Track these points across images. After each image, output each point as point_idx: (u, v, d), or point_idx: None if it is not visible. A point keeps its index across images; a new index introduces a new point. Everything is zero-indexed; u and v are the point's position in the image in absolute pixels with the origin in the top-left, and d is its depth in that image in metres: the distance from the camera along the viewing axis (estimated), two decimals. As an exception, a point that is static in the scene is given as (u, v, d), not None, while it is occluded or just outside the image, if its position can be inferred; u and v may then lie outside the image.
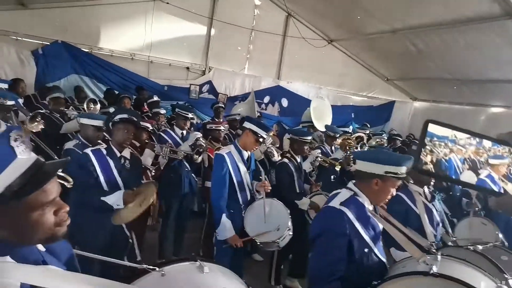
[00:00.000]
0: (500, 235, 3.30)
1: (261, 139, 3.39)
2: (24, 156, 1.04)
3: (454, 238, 3.04)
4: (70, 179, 1.51)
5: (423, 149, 0.57)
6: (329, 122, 8.17)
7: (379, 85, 11.14)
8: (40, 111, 4.52)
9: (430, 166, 0.59)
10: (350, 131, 6.52)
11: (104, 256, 2.89)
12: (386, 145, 6.46)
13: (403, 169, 1.96)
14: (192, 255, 1.47)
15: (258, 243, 3.28)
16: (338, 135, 5.39)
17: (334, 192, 2.12)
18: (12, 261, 1.04)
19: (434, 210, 2.91)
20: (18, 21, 7.12)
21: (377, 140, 6.00)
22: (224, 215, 3.21)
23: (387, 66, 10.48)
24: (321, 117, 8.50)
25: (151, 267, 1.39)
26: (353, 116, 10.24)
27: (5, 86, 4.69)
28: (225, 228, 3.21)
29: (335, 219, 1.94)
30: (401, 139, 8.23)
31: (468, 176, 0.60)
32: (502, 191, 0.55)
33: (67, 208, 1.14)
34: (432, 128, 0.57)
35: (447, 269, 1.71)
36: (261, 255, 4.68)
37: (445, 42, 7.50)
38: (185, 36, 8.96)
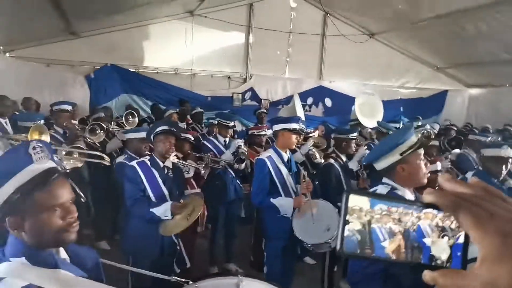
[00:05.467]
0: None
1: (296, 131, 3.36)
2: (40, 163, 1.15)
3: None
4: (82, 195, 1.62)
5: (346, 226, 0.46)
6: (380, 118, 7.85)
7: (428, 75, 10.55)
8: (97, 122, 4.74)
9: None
10: (399, 126, 6.21)
11: (154, 263, 3.02)
12: (433, 136, 6.10)
13: (413, 139, 1.89)
14: (235, 271, 1.46)
15: (309, 246, 3.20)
16: (391, 131, 5.15)
17: (373, 188, 2.02)
18: (27, 262, 1.13)
19: None
20: (71, 50, 7.72)
21: (423, 132, 5.66)
22: (271, 200, 3.21)
23: (435, 54, 9.88)
24: (371, 113, 8.19)
25: (183, 280, 1.41)
26: (402, 110, 9.78)
27: (69, 107, 4.83)
28: (283, 205, 3.21)
29: None
30: (456, 129, 7.72)
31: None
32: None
33: (75, 214, 1.21)
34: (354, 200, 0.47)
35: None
36: (313, 258, 4.58)
37: (499, 21, 6.93)
38: (225, 46, 9.15)
